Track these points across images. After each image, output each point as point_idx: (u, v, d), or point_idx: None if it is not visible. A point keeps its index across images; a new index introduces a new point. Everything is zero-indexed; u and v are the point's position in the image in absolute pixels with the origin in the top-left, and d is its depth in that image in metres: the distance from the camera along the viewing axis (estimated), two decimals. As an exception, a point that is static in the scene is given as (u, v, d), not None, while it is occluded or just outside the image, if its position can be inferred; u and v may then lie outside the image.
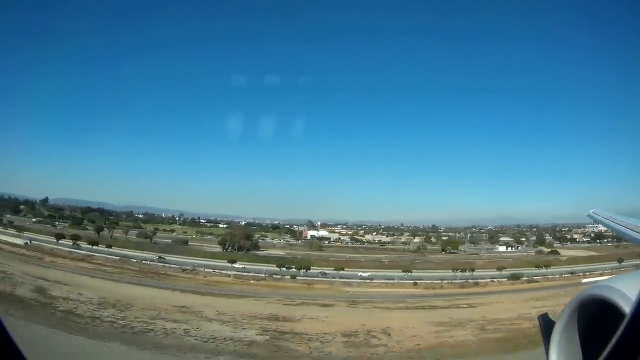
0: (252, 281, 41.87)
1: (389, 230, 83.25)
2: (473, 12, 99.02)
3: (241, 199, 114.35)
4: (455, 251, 58.28)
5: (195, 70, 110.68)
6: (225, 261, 53.51)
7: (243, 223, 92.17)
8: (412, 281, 41.34)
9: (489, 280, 40.23)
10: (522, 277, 39.46)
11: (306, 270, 46.06)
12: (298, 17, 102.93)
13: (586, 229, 58.44)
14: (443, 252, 57.94)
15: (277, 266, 47.31)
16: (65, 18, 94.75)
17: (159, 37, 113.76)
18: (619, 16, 77.39)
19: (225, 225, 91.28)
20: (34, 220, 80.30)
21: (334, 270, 45.37)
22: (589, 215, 13.20)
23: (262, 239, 71.96)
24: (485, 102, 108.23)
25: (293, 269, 46.56)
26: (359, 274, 42.93)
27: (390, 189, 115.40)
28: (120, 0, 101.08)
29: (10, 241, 62.39)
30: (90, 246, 59.61)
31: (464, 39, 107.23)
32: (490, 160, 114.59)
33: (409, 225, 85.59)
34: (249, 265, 49.05)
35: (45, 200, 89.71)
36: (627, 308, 2.19)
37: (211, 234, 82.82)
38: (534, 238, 61.34)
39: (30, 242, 63.42)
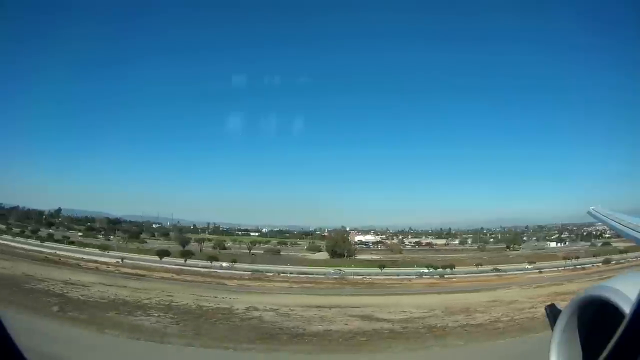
0: (454, 279, 50.58)
1: (402, 234, 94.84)
2: (473, 13, 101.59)
3: (243, 206, 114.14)
4: (518, 247, 74.10)
5: (197, 76, 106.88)
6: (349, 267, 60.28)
7: (265, 230, 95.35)
8: (537, 270, 55.25)
9: (589, 265, 56.63)
10: (612, 261, 56.70)
11: (451, 269, 56.52)
12: (299, 21, 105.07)
13: (596, 227, 66.78)
14: (508, 249, 73.14)
15: (426, 267, 56.70)
16: (66, 24, 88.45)
17: (164, 42, 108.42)
18: (620, 15, 76.36)
19: (257, 234, 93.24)
20: (79, 234, 74.35)
21: (474, 267, 56.92)
22: (588, 213, 13.84)
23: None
24: (485, 103, 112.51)
25: (440, 269, 56.58)
26: (525, 266, 55.24)
27: (391, 193, 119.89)
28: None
29: (105, 261, 58.70)
30: (211, 262, 58.98)
31: (466, 40, 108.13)
32: (491, 162, 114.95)
33: (419, 230, 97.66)
34: (394, 270, 56.87)
35: (59, 211, 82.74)
36: (627, 309, 2.22)
37: (267, 242, 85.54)
38: (565, 235, 75.05)
39: (122, 260, 60.81)
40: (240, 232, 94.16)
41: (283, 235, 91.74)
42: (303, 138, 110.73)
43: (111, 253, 63.26)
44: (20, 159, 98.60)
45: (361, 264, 65.11)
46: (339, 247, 66.84)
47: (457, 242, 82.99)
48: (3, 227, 71.09)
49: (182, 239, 69.77)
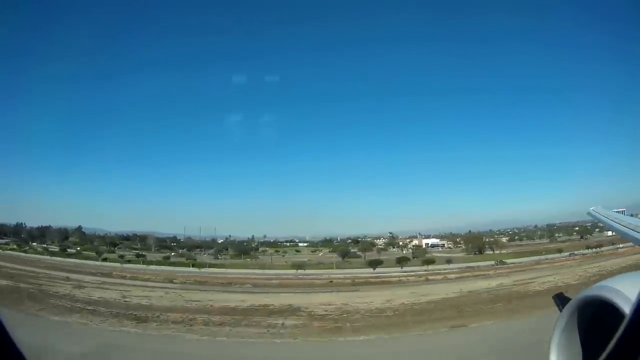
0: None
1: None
2: (468, 14, 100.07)
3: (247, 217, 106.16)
4: (589, 236, 78.47)
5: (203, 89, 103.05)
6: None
7: (299, 242, 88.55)
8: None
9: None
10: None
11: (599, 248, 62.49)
12: (302, 28, 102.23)
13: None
14: (582, 239, 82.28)
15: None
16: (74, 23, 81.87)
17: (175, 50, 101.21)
18: (618, 13, 74.47)
19: (306, 244, 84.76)
20: (173, 254, 63.84)
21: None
22: (588, 214, 14.54)
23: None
24: (482, 104, 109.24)
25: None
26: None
27: (391, 199, 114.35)
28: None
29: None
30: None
31: (464, 41, 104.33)
32: (490, 164, 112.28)
33: (429, 234, 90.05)
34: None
35: (80, 229, 74.30)
36: (627, 309, 2.25)
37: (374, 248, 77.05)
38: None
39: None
40: (288, 244, 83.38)
41: (332, 244, 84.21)
42: (302, 144, 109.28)
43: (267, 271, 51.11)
44: (27, 175, 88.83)
45: (506, 256, 67.13)
46: (483, 246, 70.62)
47: (505, 239, 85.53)
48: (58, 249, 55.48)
49: (343, 249, 66.06)
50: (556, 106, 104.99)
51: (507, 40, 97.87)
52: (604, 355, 1.77)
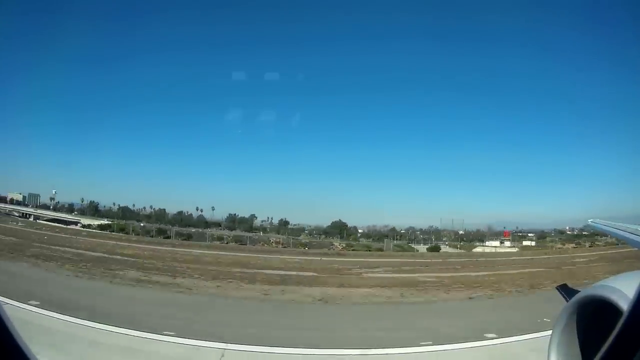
0: None
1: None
2: (474, 12, 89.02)
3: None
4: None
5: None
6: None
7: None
8: None
9: None
10: None
11: None
12: (303, 19, 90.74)
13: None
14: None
15: None
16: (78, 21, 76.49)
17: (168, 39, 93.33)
18: (619, 17, 70.75)
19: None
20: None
21: None
22: (587, 226, 14.71)
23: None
24: (487, 104, 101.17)
25: None
26: None
27: (385, 195, 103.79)
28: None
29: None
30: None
31: (468, 41, 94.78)
32: (492, 164, 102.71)
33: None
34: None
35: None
36: (625, 307, 2.12)
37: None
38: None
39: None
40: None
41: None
42: (300, 135, 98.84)
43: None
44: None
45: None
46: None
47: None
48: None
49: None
50: (558, 111, 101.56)
51: (512, 42, 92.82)
52: (601, 352, 1.77)
